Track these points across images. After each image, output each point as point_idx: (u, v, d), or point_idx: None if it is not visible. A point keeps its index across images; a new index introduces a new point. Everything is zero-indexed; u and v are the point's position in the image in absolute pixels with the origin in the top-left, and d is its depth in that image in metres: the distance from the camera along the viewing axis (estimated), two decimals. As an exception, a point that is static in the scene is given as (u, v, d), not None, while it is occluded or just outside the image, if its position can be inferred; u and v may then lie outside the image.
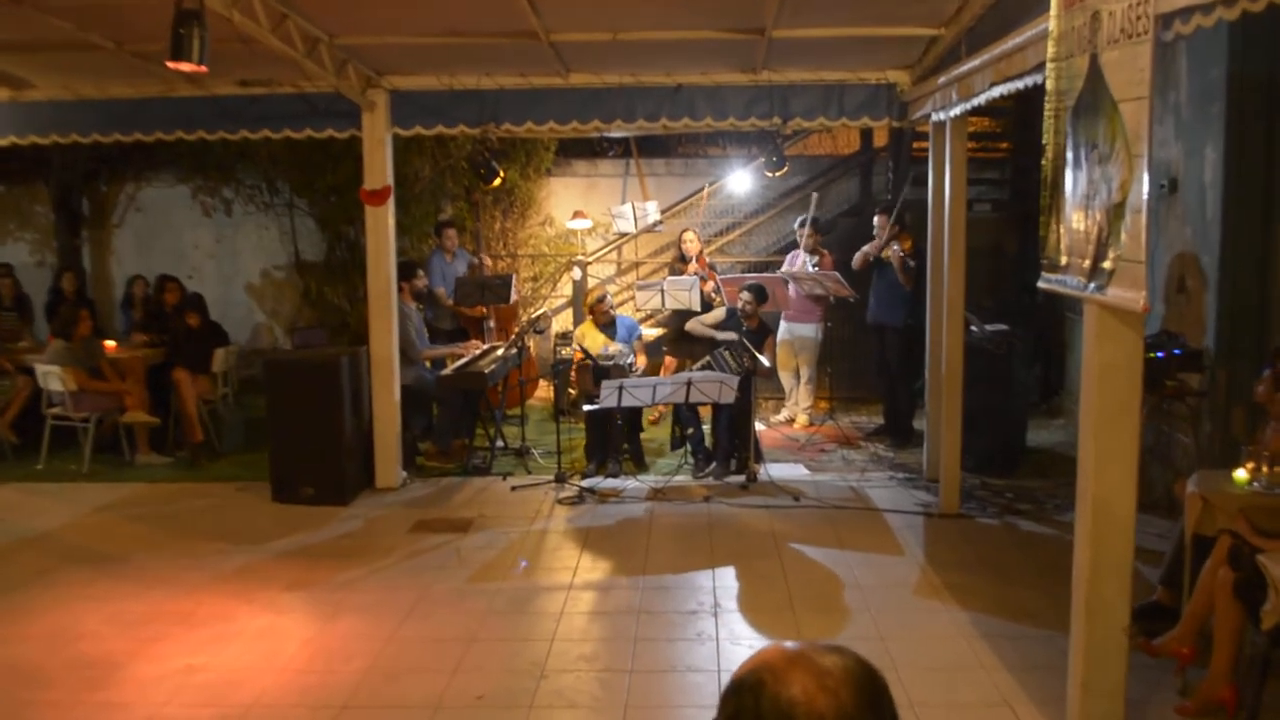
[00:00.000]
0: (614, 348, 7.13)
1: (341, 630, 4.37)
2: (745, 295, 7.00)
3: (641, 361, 7.25)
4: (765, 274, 8.31)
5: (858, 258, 7.67)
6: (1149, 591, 4.24)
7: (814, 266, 7.85)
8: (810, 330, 8.03)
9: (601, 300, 7.27)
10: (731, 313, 7.15)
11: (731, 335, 6.79)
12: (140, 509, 6.20)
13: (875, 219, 7.67)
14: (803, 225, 7.99)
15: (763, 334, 6.99)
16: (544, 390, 9.40)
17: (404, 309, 6.85)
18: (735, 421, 6.62)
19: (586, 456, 6.92)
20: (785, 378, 8.36)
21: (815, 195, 8.30)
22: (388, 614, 4.51)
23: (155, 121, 6.51)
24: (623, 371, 6.76)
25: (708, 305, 7.73)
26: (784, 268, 8.12)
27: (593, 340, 7.23)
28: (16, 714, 3.67)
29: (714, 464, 6.72)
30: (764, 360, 6.49)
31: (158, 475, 6.96)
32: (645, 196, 10.10)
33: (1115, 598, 3.29)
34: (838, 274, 7.57)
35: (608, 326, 7.27)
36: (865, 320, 7.83)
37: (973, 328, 6.71)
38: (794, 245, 8.26)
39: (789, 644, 1.13)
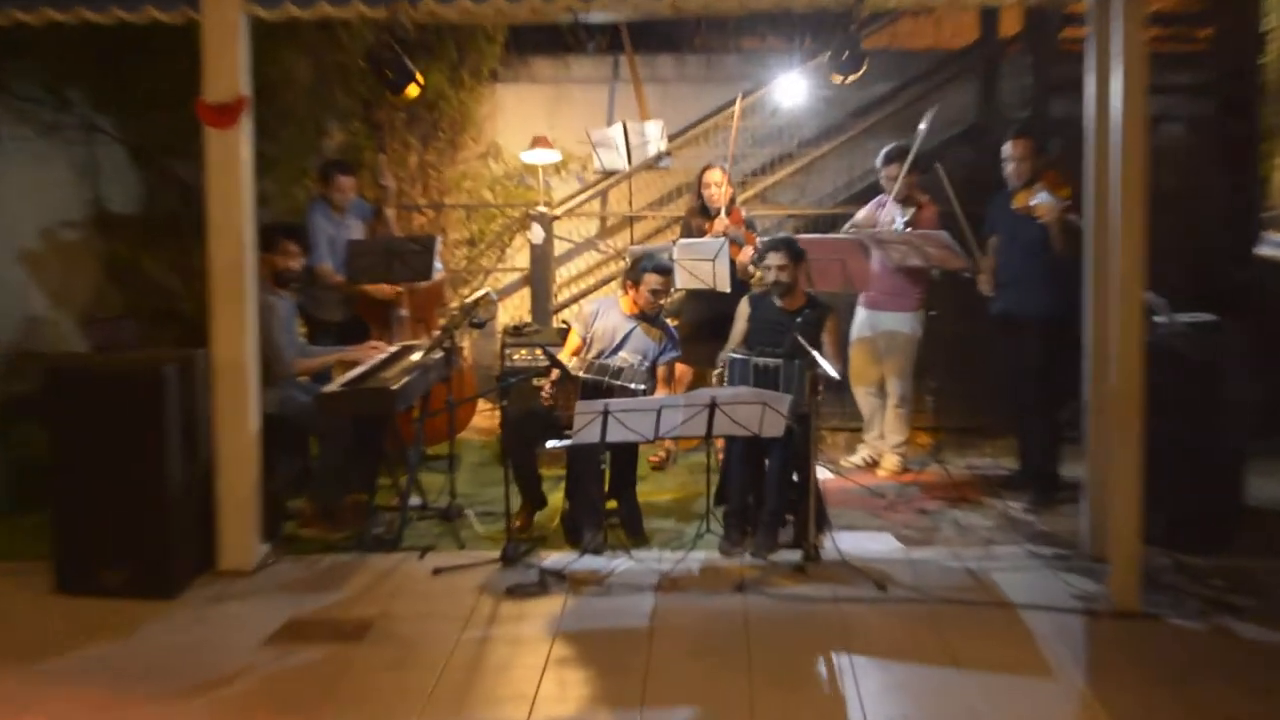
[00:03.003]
0: (624, 355, 6.98)
1: (161, 801, 4.32)
2: (772, 258, 6.94)
3: (662, 392, 7.07)
4: (833, 234, 8.29)
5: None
6: None
7: (907, 224, 7.82)
8: (903, 323, 8.07)
9: (666, 273, 7.16)
10: (756, 300, 7.08)
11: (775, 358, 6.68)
12: None
13: (1006, 148, 7.67)
14: (890, 160, 7.94)
15: (818, 317, 6.91)
16: (486, 417, 9.35)
17: (265, 299, 6.82)
18: (787, 467, 6.59)
19: (565, 531, 6.91)
20: (864, 397, 8.36)
21: (933, 110, 8.02)
22: (235, 774, 4.46)
23: None
24: (628, 395, 6.57)
25: (741, 285, 7.67)
26: (857, 221, 8.11)
27: (607, 324, 7.13)
28: None
29: (754, 532, 6.69)
30: (830, 368, 6.43)
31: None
32: (644, 115, 10.12)
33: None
34: (945, 234, 7.55)
35: (651, 320, 7.19)
36: (989, 309, 7.82)
37: (1158, 319, 6.72)
38: (876, 190, 8.23)
39: None
